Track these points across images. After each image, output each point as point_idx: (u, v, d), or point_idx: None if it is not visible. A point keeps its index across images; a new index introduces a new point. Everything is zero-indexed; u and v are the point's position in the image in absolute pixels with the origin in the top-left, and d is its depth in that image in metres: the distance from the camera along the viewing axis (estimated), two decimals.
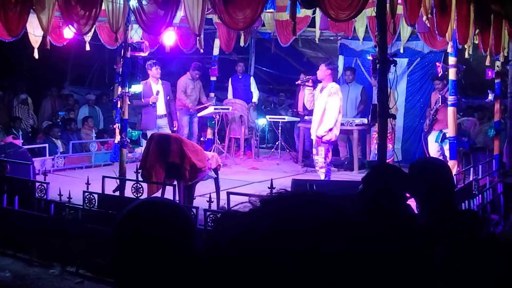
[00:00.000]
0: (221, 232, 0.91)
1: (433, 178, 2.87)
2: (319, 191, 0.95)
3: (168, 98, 9.98)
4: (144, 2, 6.84)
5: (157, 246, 1.43)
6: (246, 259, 0.85)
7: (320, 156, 7.84)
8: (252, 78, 11.67)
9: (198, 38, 7.11)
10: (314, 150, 8.19)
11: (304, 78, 8.54)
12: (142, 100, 9.63)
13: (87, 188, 6.20)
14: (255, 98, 11.44)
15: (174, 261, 1.42)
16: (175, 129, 10.06)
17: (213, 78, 11.71)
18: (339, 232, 0.86)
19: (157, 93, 9.71)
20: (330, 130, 7.79)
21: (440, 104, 8.65)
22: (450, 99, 7.24)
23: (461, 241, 2.07)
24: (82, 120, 11.68)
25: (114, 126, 7.59)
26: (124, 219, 1.51)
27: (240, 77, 11.48)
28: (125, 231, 1.49)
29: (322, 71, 7.92)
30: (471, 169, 7.38)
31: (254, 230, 0.87)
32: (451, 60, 7.14)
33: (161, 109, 9.82)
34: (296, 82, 9.41)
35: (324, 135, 7.79)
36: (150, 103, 9.62)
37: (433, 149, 9.16)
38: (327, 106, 7.81)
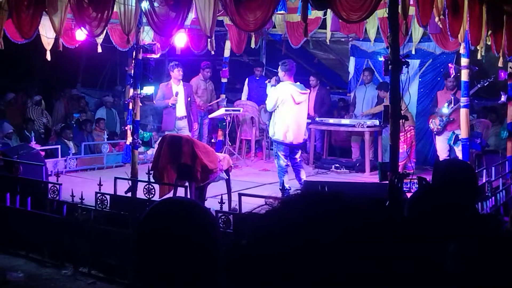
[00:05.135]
0: (241, 235, 0.91)
1: (456, 178, 2.83)
2: (336, 191, 0.94)
3: (189, 99, 9.89)
4: (156, 4, 6.88)
5: (182, 246, 1.40)
6: (266, 259, 0.85)
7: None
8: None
9: (209, 39, 7.12)
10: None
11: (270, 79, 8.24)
12: (154, 102, 9.60)
13: (99, 189, 6.24)
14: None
15: (198, 261, 1.40)
16: (195, 130, 10.01)
17: (224, 80, 11.71)
18: (359, 230, 0.86)
19: (176, 94, 9.58)
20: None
21: (453, 105, 8.58)
22: (463, 100, 7.20)
23: (482, 239, 2.02)
24: (95, 122, 11.73)
25: (126, 128, 7.61)
26: (147, 219, 1.48)
27: (257, 78, 11.44)
28: (148, 231, 1.46)
29: (280, 74, 7.88)
30: (484, 171, 7.33)
31: (273, 231, 0.87)
32: (464, 61, 7.10)
33: (180, 110, 9.68)
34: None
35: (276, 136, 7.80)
36: (170, 104, 9.55)
37: (442, 150, 9.09)
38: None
